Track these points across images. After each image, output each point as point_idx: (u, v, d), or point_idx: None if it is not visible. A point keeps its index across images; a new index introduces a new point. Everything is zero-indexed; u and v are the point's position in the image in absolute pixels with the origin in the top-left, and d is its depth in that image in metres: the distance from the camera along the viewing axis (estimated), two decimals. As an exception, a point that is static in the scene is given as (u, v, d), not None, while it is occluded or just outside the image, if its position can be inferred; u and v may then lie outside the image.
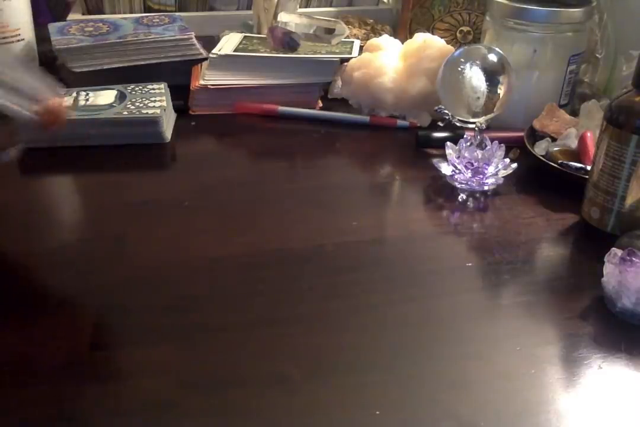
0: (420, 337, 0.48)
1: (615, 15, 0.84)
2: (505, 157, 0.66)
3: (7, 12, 0.84)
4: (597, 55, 0.86)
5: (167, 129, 0.75)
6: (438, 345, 0.47)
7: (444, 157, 0.67)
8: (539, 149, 0.70)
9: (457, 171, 0.66)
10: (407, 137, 0.77)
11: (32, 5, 0.89)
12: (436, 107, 0.70)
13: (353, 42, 0.90)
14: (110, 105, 0.74)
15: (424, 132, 0.76)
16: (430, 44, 0.79)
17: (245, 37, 0.90)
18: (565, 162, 0.66)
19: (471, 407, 0.42)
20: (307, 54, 0.84)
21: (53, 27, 0.88)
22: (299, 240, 0.58)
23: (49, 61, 0.89)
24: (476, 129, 0.66)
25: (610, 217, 0.57)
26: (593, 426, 0.41)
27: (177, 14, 0.98)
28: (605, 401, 0.43)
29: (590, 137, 0.67)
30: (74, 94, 0.76)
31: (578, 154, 0.67)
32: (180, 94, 0.81)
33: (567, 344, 0.47)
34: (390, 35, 0.88)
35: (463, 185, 0.66)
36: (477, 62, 0.66)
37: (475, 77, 0.66)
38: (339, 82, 0.85)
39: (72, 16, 1.00)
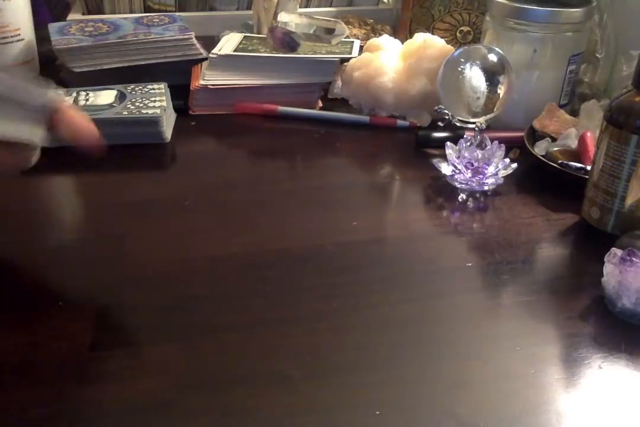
0: (420, 337, 0.48)
1: (615, 15, 0.84)
2: (505, 157, 0.66)
3: (7, 12, 0.84)
4: (597, 55, 0.86)
5: (167, 129, 0.75)
6: (438, 345, 0.47)
7: (444, 157, 0.67)
8: (539, 149, 0.70)
9: (457, 171, 0.66)
10: (407, 137, 0.77)
11: (32, 5, 0.89)
12: (436, 107, 0.70)
13: (353, 42, 0.90)
14: (110, 105, 0.74)
15: (424, 132, 0.76)
16: (430, 44, 0.79)
17: (245, 37, 0.90)
18: (565, 162, 0.66)
19: (471, 407, 0.42)
20: (307, 54, 0.84)
21: (53, 27, 0.87)
22: (299, 240, 0.58)
23: (49, 61, 0.89)
24: (476, 129, 0.66)
25: (610, 217, 0.57)
26: (593, 426, 0.41)
27: (177, 14, 0.98)
28: (605, 401, 0.43)
29: (590, 137, 0.67)
30: (74, 94, 0.76)
31: (578, 154, 0.67)
32: (180, 94, 0.81)
33: (567, 344, 0.47)
34: (390, 35, 0.88)
35: (463, 185, 0.66)
36: (477, 62, 0.66)
37: (475, 77, 0.66)
38: (339, 82, 0.85)
39: (72, 16, 1.00)
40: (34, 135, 0.46)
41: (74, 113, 0.48)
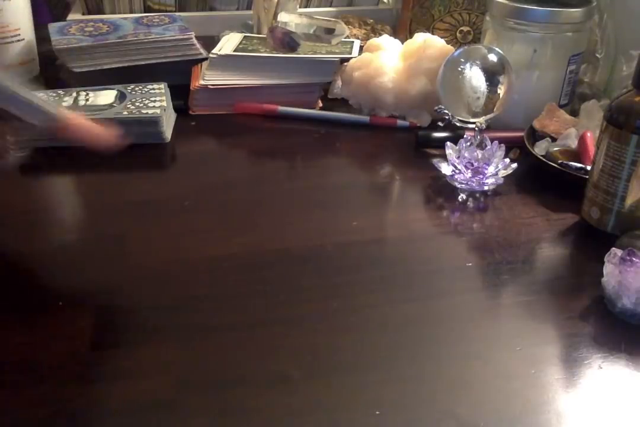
0: (420, 337, 0.48)
1: (615, 15, 0.84)
2: (505, 157, 0.66)
3: (7, 12, 0.84)
4: (597, 55, 0.86)
5: (167, 129, 0.75)
6: (438, 345, 0.47)
7: (444, 157, 0.67)
8: (539, 149, 0.70)
9: (457, 171, 0.66)
10: (407, 137, 0.77)
11: (32, 5, 0.89)
12: (436, 107, 0.70)
13: (353, 42, 0.90)
14: (110, 105, 0.74)
15: (424, 132, 0.76)
16: (430, 44, 0.79)
17: (245, 37, 0.90)
18: (565, 162, 0.66)
19: (471, 407, 0.42)
20: (307, 54, 0.84)
21: (53, 27, 0.87)
22: (299, 240, 0.58)
23: (49, 61, 0.89)
24: (476, 129, 0.66)
25: (610, 217, 0.57)
26: (593, 426, 0.41)
27: (177, 14, 0.98)
28: (605, 401, 0.43)
29: (590, 137, 0.67)
30: (74, 94, 0.76)
31: (578, 154, 0.67)
32: (180, 94, 0.81)
33: (567, 344, 0.47)
34: (390, 35, 0.88)
35: (463, 185, 0.66)
36: (477, 62, 0.66)
37: (475, 77, 0.65)
38: (339, 82, 0.85)
39: (72, 16, 1.00)
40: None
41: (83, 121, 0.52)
